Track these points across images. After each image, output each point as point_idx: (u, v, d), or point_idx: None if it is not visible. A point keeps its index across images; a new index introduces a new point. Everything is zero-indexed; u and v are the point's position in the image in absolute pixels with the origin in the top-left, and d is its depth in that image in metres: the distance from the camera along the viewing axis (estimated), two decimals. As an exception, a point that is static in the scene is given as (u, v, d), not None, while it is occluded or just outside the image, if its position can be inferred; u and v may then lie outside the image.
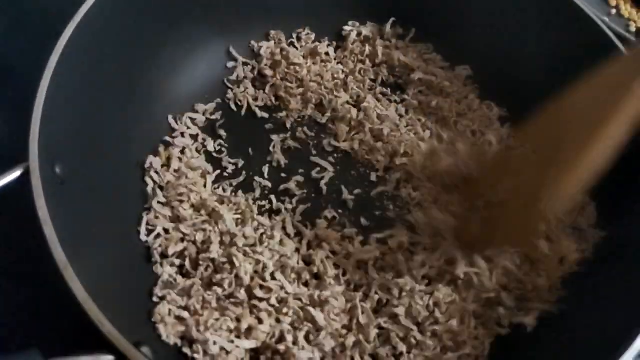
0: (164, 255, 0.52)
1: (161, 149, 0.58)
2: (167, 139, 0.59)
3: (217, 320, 0.48)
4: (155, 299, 0.49)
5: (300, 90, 0.65)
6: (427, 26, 0.69)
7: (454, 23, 0.68)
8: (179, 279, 0.51)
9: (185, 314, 0.48)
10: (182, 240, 0.53)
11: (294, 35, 0.69)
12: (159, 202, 0.54)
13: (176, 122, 0.61)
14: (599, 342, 0.46)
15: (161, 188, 0.56)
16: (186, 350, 0.46)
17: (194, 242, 0.52)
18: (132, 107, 0.57)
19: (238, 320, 0.48)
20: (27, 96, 0.45)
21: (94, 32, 0.51)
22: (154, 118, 0.60)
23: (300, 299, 0.51)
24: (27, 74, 0.46)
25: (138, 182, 0.56)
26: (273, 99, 0.65)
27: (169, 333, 0.47)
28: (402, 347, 0.50)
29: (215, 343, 0.46)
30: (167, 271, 0.51)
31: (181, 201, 0.55)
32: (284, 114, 0.64)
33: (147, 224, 0.53)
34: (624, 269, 0.51)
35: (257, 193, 0.58)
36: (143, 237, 0.53)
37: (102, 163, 0.51)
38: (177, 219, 0.54)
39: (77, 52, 0.49)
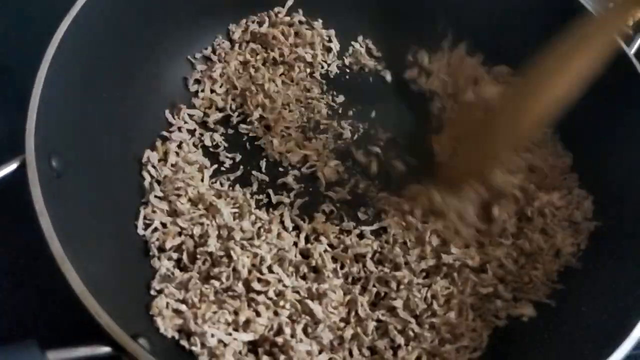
0: (161, 249, 0.52)
1: (158, 143, 0.58)
2: (164, 133, 0.59)
3: (214, 313, 0.48)
4: (152, 292, 0.49)
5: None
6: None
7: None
8: (177, 272, 0.51)
9: (183, 307, 0.48)
10: (180, 234, 0.53)
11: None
12: (156, 196, 0.54)
13: (173, 117, 0.61)
14: (596, 334, 0.46)
15: (158, 182, 0.56)
16: (184, 342, 0.46)
17: (192, 236, 0.52)
18: (129, 101, 0.56)
19: (236, 313, 0.48)
20: (26, 94, 0.45)
21: (90, 25, 0.51)
22: (152, 112, 0.60)
23: (298, 292, 0.51)
24: (26, 72, 0.46)
25: (135, 176, 0.56)
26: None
27: (167, 326, 0.47)
28: (400, 340, 0.50)
29: (213, 335, 0.46)
30: (164, 265, 0.51)
31: (178, 195, 0.54)
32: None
33: (145, 218, 0.53)
34: (619, 262, 0.51)
35: (255, 187, 0.58)
36: (140, 231, 0.52)
37: (99, 157, 0.51)
38: (174, 212, 0.54)
39: (74, 45, 0.49)
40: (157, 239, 0.52)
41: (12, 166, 0.43)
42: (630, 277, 0.49)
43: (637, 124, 0.57)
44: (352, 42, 0.70)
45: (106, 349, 0.37)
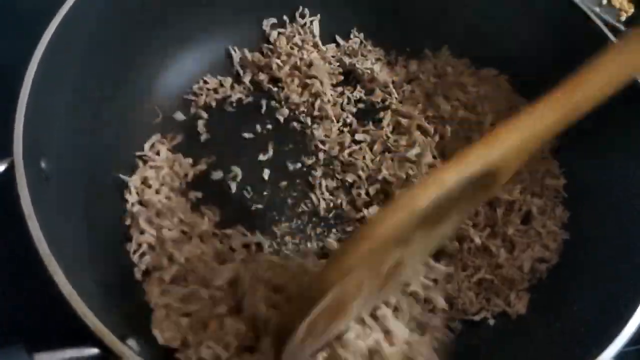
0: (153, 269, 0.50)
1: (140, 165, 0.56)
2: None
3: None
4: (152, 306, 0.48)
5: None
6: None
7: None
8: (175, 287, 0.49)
9: (184, 320, 0.47)
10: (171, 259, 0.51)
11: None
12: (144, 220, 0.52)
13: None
14: (589, 331, 0.46)
15: (141, 203, 0.54)
16: (180, 356, 0.45)
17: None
18: (120, 101, 0.56)
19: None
20: (15, 95, 0.45)
21: (80, 26, 0.50)
22: (144, 112, 0.59)
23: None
24: (14, 73, 0.45)
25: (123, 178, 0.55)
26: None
27: (167, 337, 0.46)
28: None
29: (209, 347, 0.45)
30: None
31: (162, 220, 0.53)
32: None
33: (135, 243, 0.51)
34: (611, 257, 0.51)
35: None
36: (135, 259, 0.50)
37: (90, 158, 0.51)
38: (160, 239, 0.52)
39: (63, 45, 0.48)
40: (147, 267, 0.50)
41: (0, 168, 0.43)
42: (623, 274, 0.49)
43: (629, 126, 0.56)
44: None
45: (94, 351, 0.37)
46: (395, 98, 0.66)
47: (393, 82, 0.67)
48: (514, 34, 0.65)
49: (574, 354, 0.44)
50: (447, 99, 0.66)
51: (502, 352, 0.50)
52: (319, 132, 0.62)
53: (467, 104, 0.65)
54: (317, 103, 0.64)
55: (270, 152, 0.61)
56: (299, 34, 0.68)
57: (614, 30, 0.61)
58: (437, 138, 0.63)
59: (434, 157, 0.61)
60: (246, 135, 0.62)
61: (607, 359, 0.41)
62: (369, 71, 0.67)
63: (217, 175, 0.58)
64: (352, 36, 0.70)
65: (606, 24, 0.61)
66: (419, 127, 0.63)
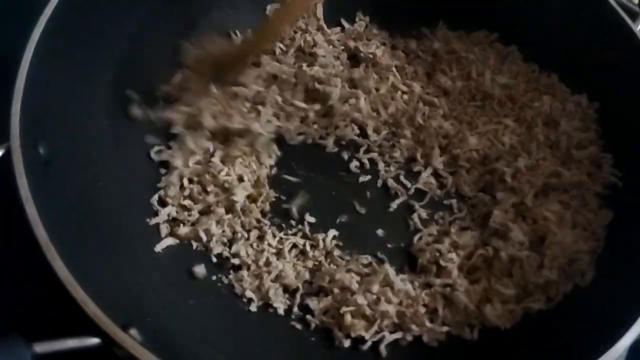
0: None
1: None
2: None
3: None
4: None
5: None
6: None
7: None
8: None
9: None
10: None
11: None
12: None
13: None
14: (603, 320, 0.45)
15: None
16: None
17: None
18: (119, 86, 0.55)
19: None
20: (11, 79, 0.44)
21: (77, 10, 0.49)
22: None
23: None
24: (10, 57, 0.45)
25: (125, 162, 0.53)
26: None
27: None
28: None
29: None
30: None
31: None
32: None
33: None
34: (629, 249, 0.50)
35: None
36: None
37: (89, 143, 0.50)
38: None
39: (60, 26, 0.47)
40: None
41: (-2, 153, 0.42)
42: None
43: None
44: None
45: (95, 340, 0.36)
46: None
47: (396, 66, 0.66)
48: (524, 10, 0.64)
49: (589, 341, 0.43)
50: (445, 73, 0.65)
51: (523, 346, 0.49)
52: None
53: (462, 74, 0.65)
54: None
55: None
56: (303, 17, 0.66)
57: (627, 11, 0.60)
58: (441, 112, 0.63)
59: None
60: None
61: (624, 347, 0.40)
62: (371, 55, 0.66)
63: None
64: (357, 19, 0.68)
65: (622, 6, 0.59)
66: (421, 100, 0.63)
